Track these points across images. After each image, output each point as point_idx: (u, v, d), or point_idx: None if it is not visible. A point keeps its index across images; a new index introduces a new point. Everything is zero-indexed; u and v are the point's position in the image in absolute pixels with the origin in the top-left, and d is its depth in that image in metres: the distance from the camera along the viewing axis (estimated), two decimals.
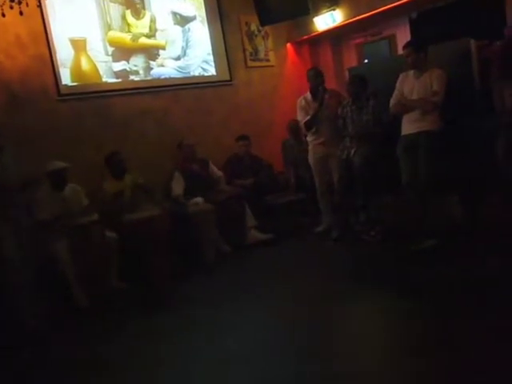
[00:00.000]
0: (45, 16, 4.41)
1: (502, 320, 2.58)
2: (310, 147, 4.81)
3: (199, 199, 4.57)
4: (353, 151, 4.40)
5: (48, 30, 4.45)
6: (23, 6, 3.24)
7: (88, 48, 4.74)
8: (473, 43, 4.13)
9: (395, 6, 4.88)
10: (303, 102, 4.72)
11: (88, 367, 2.86)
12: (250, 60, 5.92)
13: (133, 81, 5.05)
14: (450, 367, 2.26)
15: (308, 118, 4.61)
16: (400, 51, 4.52)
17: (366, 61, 6.18)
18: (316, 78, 4.66)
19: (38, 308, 3.44)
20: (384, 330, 2.78)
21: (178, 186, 4.74)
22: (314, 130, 4.67)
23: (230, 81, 5.74)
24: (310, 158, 4.82)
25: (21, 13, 3.26)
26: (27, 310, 3.39)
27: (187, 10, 5.46)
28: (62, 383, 2.77)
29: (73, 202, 4.05)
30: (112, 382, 2.67)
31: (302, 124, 4.77)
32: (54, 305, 3.61)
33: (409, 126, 3.98)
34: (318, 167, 4.78)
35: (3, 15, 3.19)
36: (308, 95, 4.73)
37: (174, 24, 5.37)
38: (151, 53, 5.19)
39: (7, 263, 3.32)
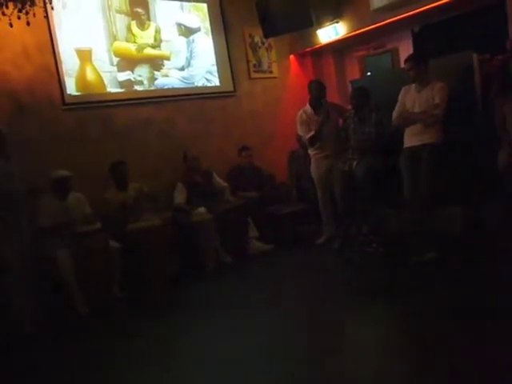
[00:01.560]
0: (51, 26, 4.47)
1: (505, 331, 2.58)
2: (312, 160, 4.82)
3: (202, 209, 4.59)
4: (355, 163, 4.42)
5: (54, 40, 4.50)
6: (30, 16, 3.28)
7: (93, 58, 4.79)
8: (475, 57, 4.16)
9: (398, 20, 4.93)
10: (304, 116, 4.73)
11: (88, 372, 2.87)
12: (254, 71, 5.97)
13: (137, 91, 5.09)
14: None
15: (312, 133, 4.61)
16: (403, 64, 4.55)
17: (368, 73, 6.21)
18: (318, 91, 4.69)
19: (38, 313, 3.46)
20: (385, 342, 2.76)
21: (180, 195, 4.77)
22: (318, 145, 4.68)
23: (234, 92, 5.78)
24: (313, 172, 4.84)
25: (28, 23, 3.29)
26: (28, 315, 3.40)
27: (192, 22, 5.52)
28: None
29: (76, 211, 4.08)
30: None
31: (305, 139, 4.75)
32: (55, 311, 3.61)
33: (411, 138, 4.00)
34: (321, 180, 4.79)
35: (11, 25, 3.23)
36: (308, 108, 4.73)
37: (179, 35, 5.43)
38: (156, 63, 5.24)
39: (9, 269, 3.33)
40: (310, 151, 4.81)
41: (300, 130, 4.80)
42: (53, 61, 4.49)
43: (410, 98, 4.01)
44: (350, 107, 4.67)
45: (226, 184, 5.10)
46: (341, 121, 4.75)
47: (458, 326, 2.76)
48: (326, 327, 3.01)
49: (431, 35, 5.34)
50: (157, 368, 2.79)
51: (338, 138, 4.64)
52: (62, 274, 3.72)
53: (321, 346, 2.76)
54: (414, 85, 4.01)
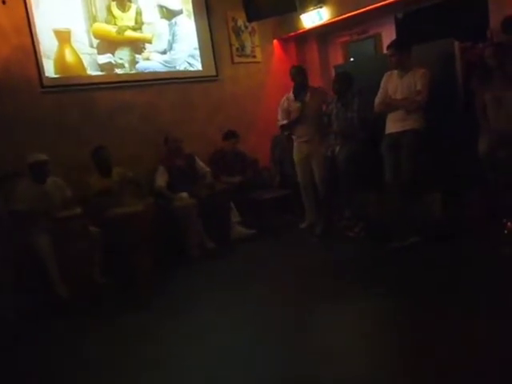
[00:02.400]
0: (28, 6, 4.33)
1: (489, 314, 2.61)
2: (294, 145, 4.84)
3: (184, 194, 4.57)
4: (337, 148, 4.44)
5: (31, 20, 4.37)
6: None
7: (72, 40, 4.67)
8: (456, 45, 4.19)
9: (381, 5, 4.92)
10: (285, 104, 4.75)
11: (67, 363, 2.84)
12: (237, 56, 5.90)
13: (117, 74, 4.99)
14: (438, 366, 2.25)
15: (284, 121, 4.71)
16: (385, 50, 4.56)
17: (351, 59, 6.21)
18: (299, 76, 4.68)
19: (18, 302, 3.42)
20: (368, 329, 2.76)
21: (160, 179, 4.72)
22: (287, 132, 4.79)
23: (216, 76, 5.71)
24: (294, 156, 4.87)
25: (3, 2, 3.21)
26: (6, 304, 3.35)
27: (174, 4, 5.41)
28: (40, 378, 2.74)
29: (54, 195, 4.00)
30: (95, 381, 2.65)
31: (278, 125, 4.84)
32: (35, 299, 3.57)
33: (393, 124, 4.03)
34: (301, 165, 4.82)
35: None
36: (291, 95, 4.74)
37: (161, 17, 5.32)
38: (137, 46, 5.13)
39: None
40: (293, 136, 4.83)
41: (279, 116, 4.81)
42: (30, 41, 4.37)
43: (393, 84, 4.03)
44: (332, 92, 4.66)
45: (208, 168, 5.07)
46: (324, 106, 4.74)
47: (440, 310, 2.78)
48: (312, 320, 2.95)
49: (414, 22, 5.35)
50: (140, 356, 2.78)
51: (320, 123, 4.65)
52: (43, 261, 3.67)
53: (305, 331, 2.78)
54: (396, 71, 4.03)
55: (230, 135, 5.27)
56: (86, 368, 2.75)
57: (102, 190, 4.24)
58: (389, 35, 5.53)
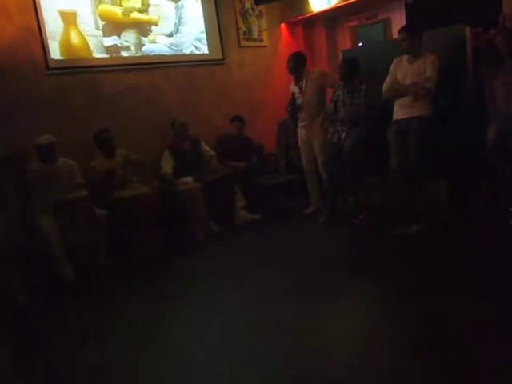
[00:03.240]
0: None
1: (490, 307, 2.59)
2: (298, 130, 4.84)
3: (189, 178, 4.56)
4: (344, 135, 4.40)
5: (37, 0, 4.32)
6: None
7: (78, 21, 4.63)
8: (467, 30, 4.11)
9: None
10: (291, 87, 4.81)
11: (74, 343, 2.87)
12: (244, 39, 5.84)
13: (123, 57, 4.95)
14: (442, 366, 2.20)
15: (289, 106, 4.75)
16: (395, 35, 4.49)
17: (360, 44, 6.13)
18: (289, 62, 4.67)
19: (25, 282, 3.45)
20: (370, 320, 2.74)
21: (166, 164, 4.72)
22: (291, 114, 4.79)
23: (223, 60, 5.66)
24: (299, 142, 4.87)
25: None
26: (14, 285, 3.39)
27: None
28: (47, 359, 2.76)
29: (64, 176, 4.01)
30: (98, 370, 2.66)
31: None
32: (42, 279, 3.60)
33: (400, 111, 3.99)
34: (302, 149, 4.86)
35: None
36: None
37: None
38: (143, 28, 5.08)
39: None
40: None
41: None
42: (35, 22, 4.32)
43: (402, 70, 3.98)
44: (337, 76, 4.60)
45: (213, 152, 5.05)
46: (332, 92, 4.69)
47: (445, 300, 2.76)
48: (314, 309, 2.91)
49: (424, 7, 5.25)
50: (142, 341, 2.80)
51: (322, 107, 4.62)
52: (50, 242, 3.69)
53: (305, 320, 2.78)
54: (405, 56, 3.97)
55: (234, 119, 5.27)
56: (88, 359, 2.73)
57: (106, 172, 4.24)
58: (398, 20, 5.44)
